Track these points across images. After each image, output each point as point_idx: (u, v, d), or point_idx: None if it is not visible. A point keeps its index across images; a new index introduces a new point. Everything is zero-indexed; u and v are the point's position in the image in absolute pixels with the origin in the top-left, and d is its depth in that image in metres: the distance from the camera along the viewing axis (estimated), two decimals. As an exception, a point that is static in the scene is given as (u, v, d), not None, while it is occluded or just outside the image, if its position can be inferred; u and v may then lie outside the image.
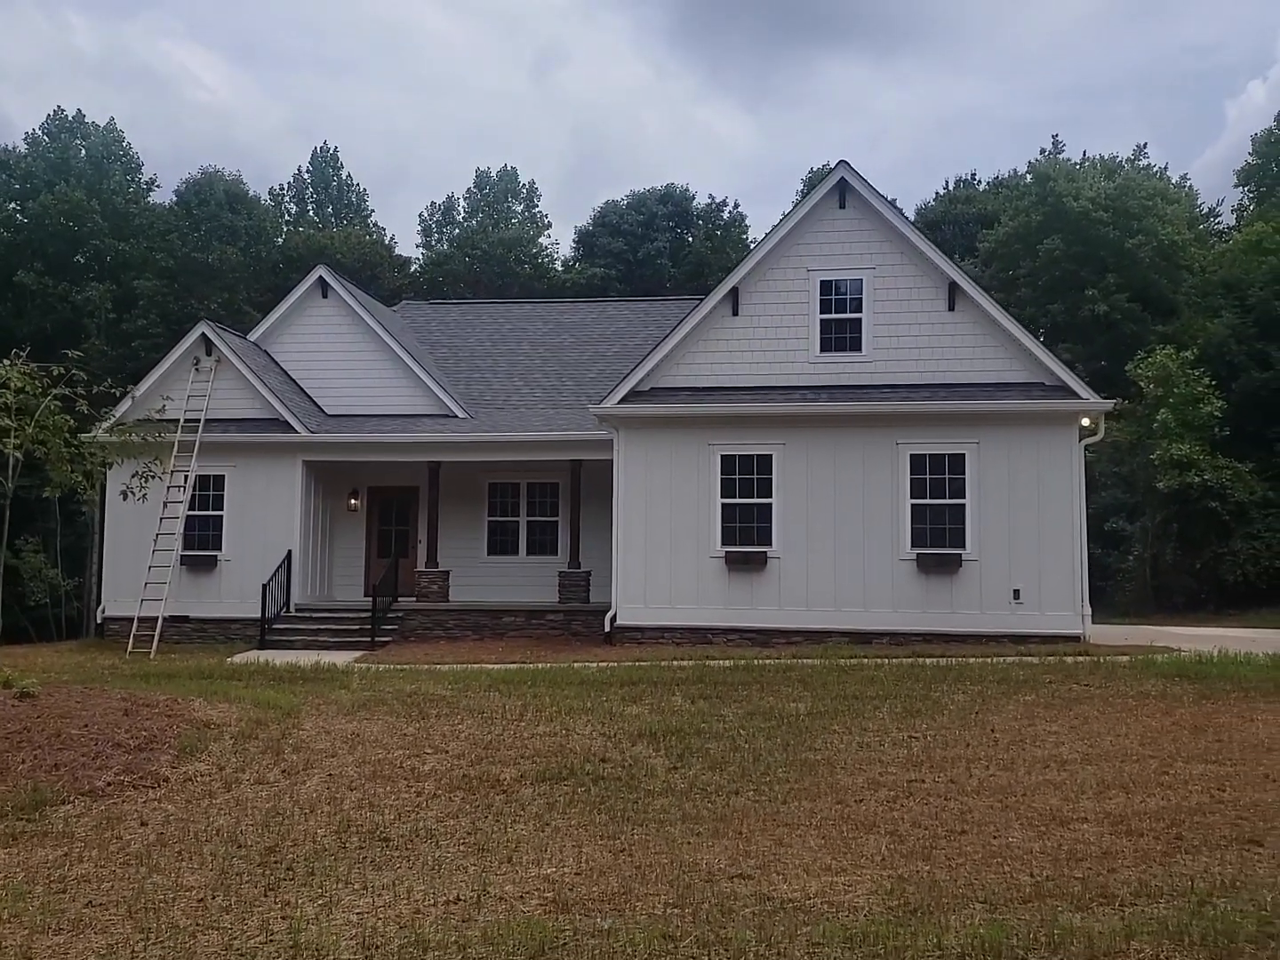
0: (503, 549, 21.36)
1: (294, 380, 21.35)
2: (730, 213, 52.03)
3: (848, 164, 17.55)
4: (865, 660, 13.88)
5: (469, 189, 57.39)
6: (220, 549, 19.77)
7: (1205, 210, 46.44)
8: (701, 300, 18.52)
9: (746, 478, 17.25)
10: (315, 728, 9.83)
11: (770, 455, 17.24)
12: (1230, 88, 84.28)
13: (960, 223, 48.85)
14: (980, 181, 52.52)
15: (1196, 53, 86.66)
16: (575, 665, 13.96)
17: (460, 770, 8.36)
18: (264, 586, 18.47)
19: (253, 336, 21.87)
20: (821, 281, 17.45)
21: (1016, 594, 16.35)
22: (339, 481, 21.43)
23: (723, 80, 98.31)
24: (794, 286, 17.52)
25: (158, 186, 47.89)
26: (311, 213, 56.17)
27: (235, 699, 10.96)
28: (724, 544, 17.16)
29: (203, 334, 20.26)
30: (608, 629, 17.33)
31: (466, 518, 21.20)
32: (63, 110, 47.36)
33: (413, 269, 50.61)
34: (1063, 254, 38.98)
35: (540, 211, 57.52)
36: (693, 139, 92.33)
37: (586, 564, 19.66)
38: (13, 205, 42.81)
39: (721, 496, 17.26)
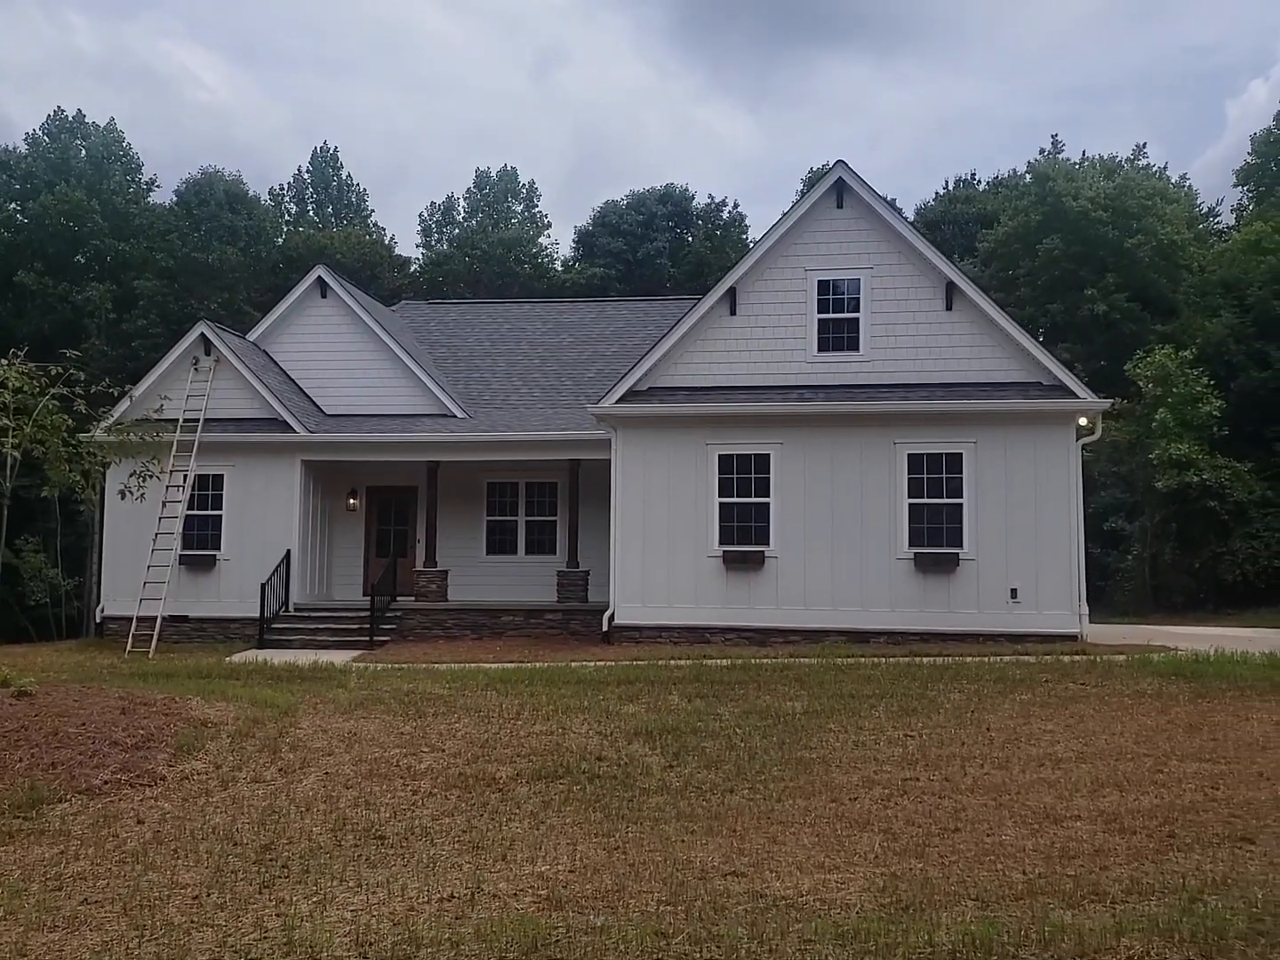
0: (501, 548, 21.39)
1: (293, 380, 21.37)
2: (730, 213, 52.06)
3: (845, 164, 17.57)
4: (862, 659, 13.90)
5: (469, 189, 57.44)
6: (219, 549, 19.79)
7: (1205, 210, 46.45)
8: (699, 300, 18.53)
9: (744, 477, 17.27)
10: (312, 726, 9.86)
11: (768, 455, 17.26)
12: (1231, 87, 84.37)
13: (960, 223, 48.88)
14: (980, 181, 52.59)
15: (1197, 52, 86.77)
16: (573, 664, 13.98)
17: (456, 769, 8.39)
18: (263, 586, 18.50)
19: (252, 336, 21.89)
20: (819, 281, 17.48)
21: (1014, 593, 16.37)
22: (338, 481, 21.46)
23: (723, 80, 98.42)
24: (791, 286, 17.53)
25: (158, 187, 47.99)
26: (311, 213, 56.19)
27: (233, 698, 10.98)
28: (722, 543, 17.18)
29: (201, 334, 20.28)
30: (606, 628, 17.36)
31: (465, 517, 21.23)
32: (63, 110, 47.43)
33: (413, 269, 50.63)
34: (1062, 254, 38.99)
35: (540, 211, 57.57)
36: (693, 139, 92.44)
37: (585, 563, 19.68)
38: (13, 205, 42.83)
39: (719, 496, 17.28)
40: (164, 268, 40.73)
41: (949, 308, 17.15)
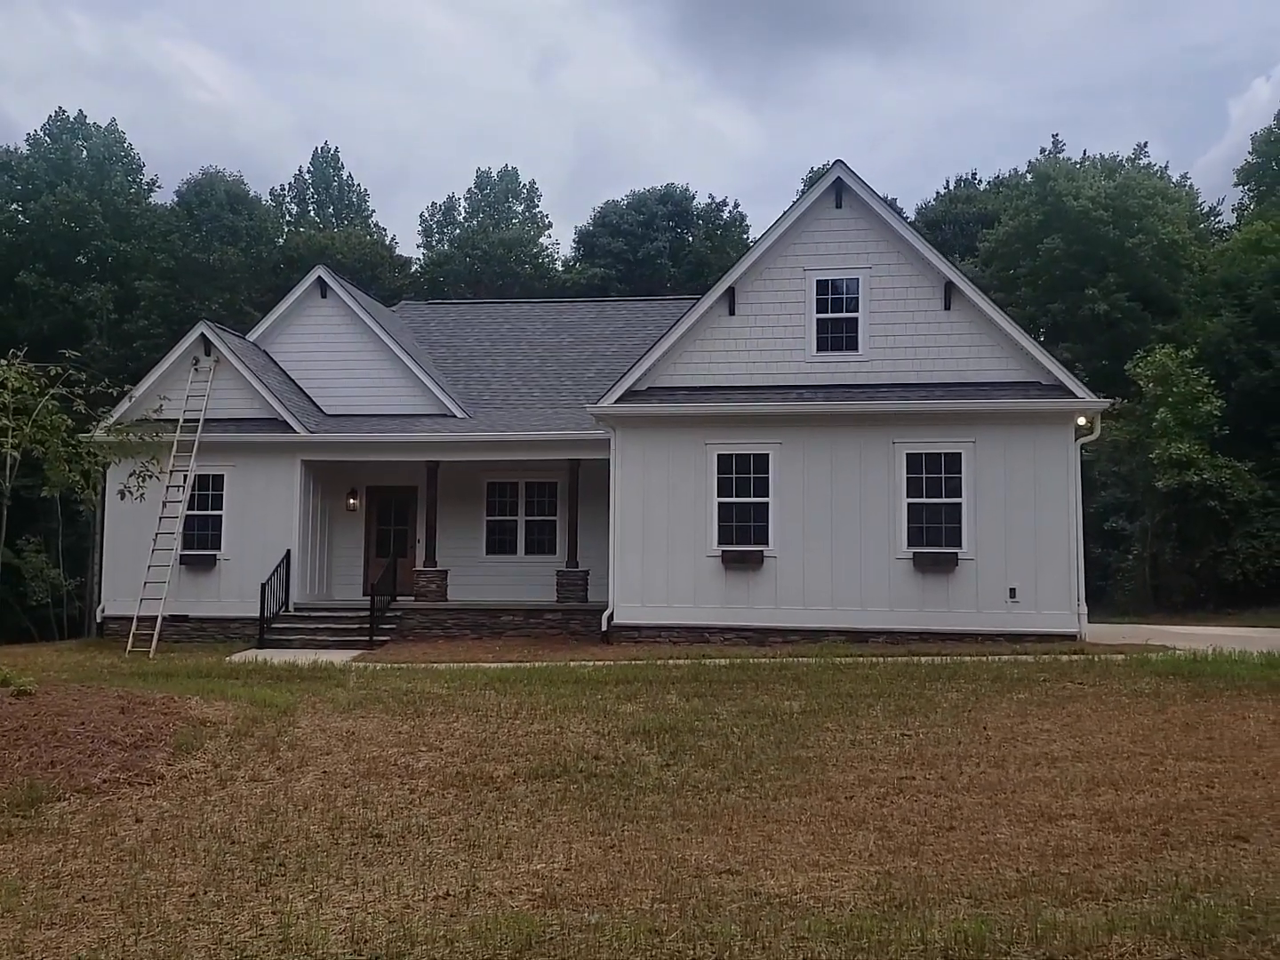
0: (501, 548, 21.41)
1: (293, 380, 21.40)
2: (730, 212, 52.09)
3: (844, 164, 17.58)
4: (860, 659, 13.92)
5: (470, 189, 57.52)
6: (219, 548, 19.82)
7: (1205, 209, 46.46)
8: (698, 300, 18.54)
9: (743, 477, 17.29)
10: (311, 726, 9.88)
11: (767, 454, 17.28)
12: (1233, 86, 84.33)
13: (960, 222, 48.90)
14: (980, 181, 52.61)
15: (1197, 52, 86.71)
16: (572, 664, 14.00)
17: (454, 768, 8.41)
18: (263, 586, 18.53)
19: (252, 337, 21.93)
20: (818, 281, 17.49)
21: (1013, 593, 16.38)
22: (338, 481, 21.48)
23: (724, 80, 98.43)
24: (790, 286, 17.55)
25: (159, 187, 48.05)
26: (312, 213, 56.24)
27: (232, 697, 11.00)
28: (721, 543, 17.20)
29: (202, 334, 20.31)
30: (605, 628, 17.38)
31: (465, 517, 21.25)
32: (64, 111, 47.49)
33: (413, 269, 50.68)
34: (1063, 253, 38.99)
35: (541, 212, 57.64)
36: (694, 139, 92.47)
37: (584, 563, 19.70)
38: (14, 206, 42.90)
39: (718, 496, 17.30)
40: (165, 268, 40.79)
41: (948, 307, 17.16)
